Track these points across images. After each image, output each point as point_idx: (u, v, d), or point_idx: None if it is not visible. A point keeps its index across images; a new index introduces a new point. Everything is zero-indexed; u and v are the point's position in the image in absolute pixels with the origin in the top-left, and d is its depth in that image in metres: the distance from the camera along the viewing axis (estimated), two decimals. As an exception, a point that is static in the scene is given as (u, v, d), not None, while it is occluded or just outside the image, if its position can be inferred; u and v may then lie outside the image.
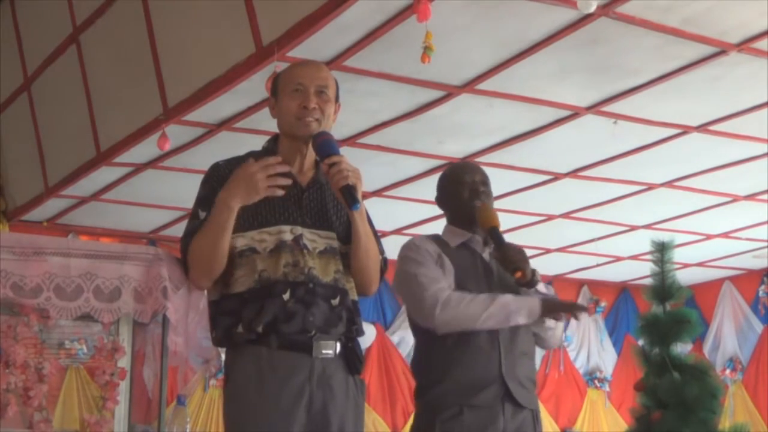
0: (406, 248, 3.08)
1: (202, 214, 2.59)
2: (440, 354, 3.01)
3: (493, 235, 3.04)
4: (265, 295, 2.54)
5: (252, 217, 2.58)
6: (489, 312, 2.93)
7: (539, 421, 3.09)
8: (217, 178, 2.64)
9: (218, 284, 2.63)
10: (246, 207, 2.56)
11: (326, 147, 2.59)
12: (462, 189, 3.16)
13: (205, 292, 2.77)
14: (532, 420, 3.04)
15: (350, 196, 2.54)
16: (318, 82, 2.66)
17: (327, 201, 2.69)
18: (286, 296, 2.54)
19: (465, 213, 3.16)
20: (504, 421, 2.96)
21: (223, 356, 2.73)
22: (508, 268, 2.99)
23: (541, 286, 3.11)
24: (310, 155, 2.69)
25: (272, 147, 2.72)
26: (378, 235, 2.75)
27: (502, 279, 3.08)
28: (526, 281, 3.01)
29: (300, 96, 2.63)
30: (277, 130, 2.75)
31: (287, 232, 2.59)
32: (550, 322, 3.09)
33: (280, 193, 2.53)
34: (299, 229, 2.60)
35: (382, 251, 2.75)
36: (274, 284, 2.54)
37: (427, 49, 3.83)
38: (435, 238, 3.20)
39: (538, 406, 3.11)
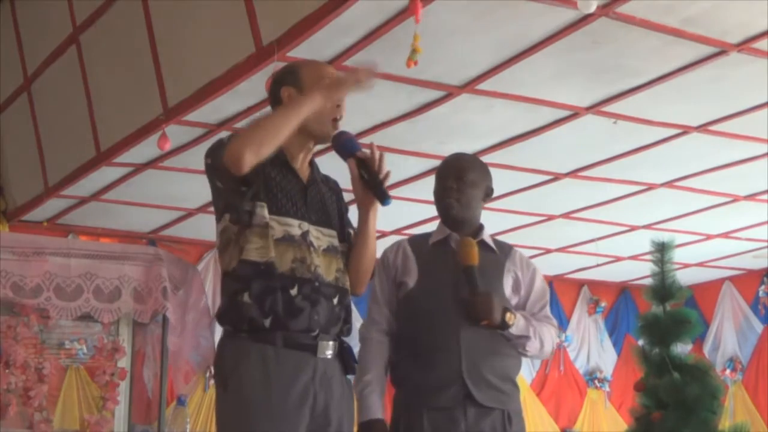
0: (379, 258, 3.07)
1: None
2: (402, 355, 3.03)
3: (467, 275, 3.00)
4: (274, 279, 2.51)
5: (270, 201, 2.57)
6: (358, 383, 2.96)
7: (514, 421, 3.02)
8: None
9: (234, 253, 2.58)
10: (264, 190, 2.56)
11: (351, 144, 2.61)
12: (436, 186, 3.17)
13: (208, 289, 2.75)
14: (502, 420, 2.98)
15: (384, 192, 2.55)
16: None
17: (326, 199, 2.70)
18: (293, 291, 2.53)
19: (439, 211, 3.17)
20: (466, 424, 2.92)
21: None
22: (472, 317, 2.97)
23: (517, 328, 3.04)
24: (312, 153, 2.71)
25: None
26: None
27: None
28: (495, 326, 3.00)
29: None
30: None
31: (295, 227, 2.58)
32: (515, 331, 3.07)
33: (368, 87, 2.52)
34: (306, 225, 2.60)
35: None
36: (281, 276, 2.53)
37: (412, 53, 3.81)
38: (419, 237, 3.22)
39: (514, 406, 3.04)
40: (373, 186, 2.56)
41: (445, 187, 3.12)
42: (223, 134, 5.49)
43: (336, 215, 2.72)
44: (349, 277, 2.69)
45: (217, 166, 2.53)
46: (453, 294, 3.00)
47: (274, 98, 2.73)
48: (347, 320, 2.67)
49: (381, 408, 2.94)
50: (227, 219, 2.61)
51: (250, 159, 2.44)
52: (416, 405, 2.95)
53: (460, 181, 3.11)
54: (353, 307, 2.76)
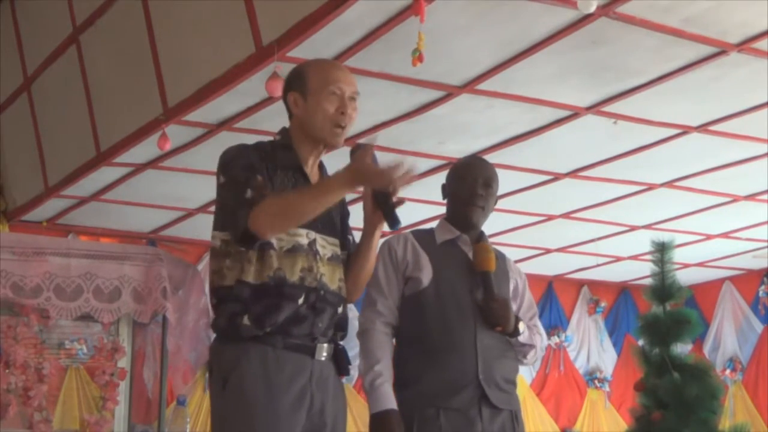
0: (382, 245, 3.04)
1: (256, 180, 2.49)
2: (417, 354, 3.00)
3: (485, 281, 3.02)
4: (279, 295, 2.51)
5: None
6: (368, 373, 2.92)
7: (519, 421, 3.06)
8: (252, 151, 2.58)
9: (231, 270, 2.55)
10: None
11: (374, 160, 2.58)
12: (461, 187, 3.15)
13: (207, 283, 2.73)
14: (511, 421, 3.02)
15: (395, 215, 2.56)
16: (353, 88, 2.66)
17: (330, 207, 2.68)
18: (300, 300, 2.54)
19: (458, 212, 3.16)
20: (482, 425, 2.94)
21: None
22: (489, 322, 3.00)
23: (524, 337, 3.08)
24: (320, 158, 2.70)
25: (286, 141, 2.67)
26: None
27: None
28: (507, 334, 3.05)
29: (338, 100, 2.61)
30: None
31: (303, 236, 2.57)
32: (522, 339, 3.09)
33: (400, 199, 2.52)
34: (313, 234, 2.59)
35: None
36: (290, 287, 2.52)
37: (415, 51, 3.81)
38: (422, 233, 3.20)
39: (518, 407, 3.08)
40: (384, 208, 2.54)
41: (474, 192, 3.11)
42: (224, 135, 5.50)
43: (339, 222, 2.71)
44: (347, 284, 2.69)
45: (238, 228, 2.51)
46: (469, 296, 3.02)
47: (285, 103, 2.71)
48: (343, 327, 2.68)
49: (394, 398, 2.91)
50: (228, 234, 2.57)
51: (271, 235, 2.48)
52: (430, 405, 2.94)
53: (487, 188, 3.13)
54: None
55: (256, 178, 2.49)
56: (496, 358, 3.02)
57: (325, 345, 2.60)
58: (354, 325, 2.91)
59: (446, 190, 3.22)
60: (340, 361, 2.66)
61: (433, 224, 3.27)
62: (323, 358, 2.59)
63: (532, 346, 3.12)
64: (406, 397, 2.99)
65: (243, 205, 2.46)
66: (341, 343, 2.71)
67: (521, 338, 3.07)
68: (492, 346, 3.01)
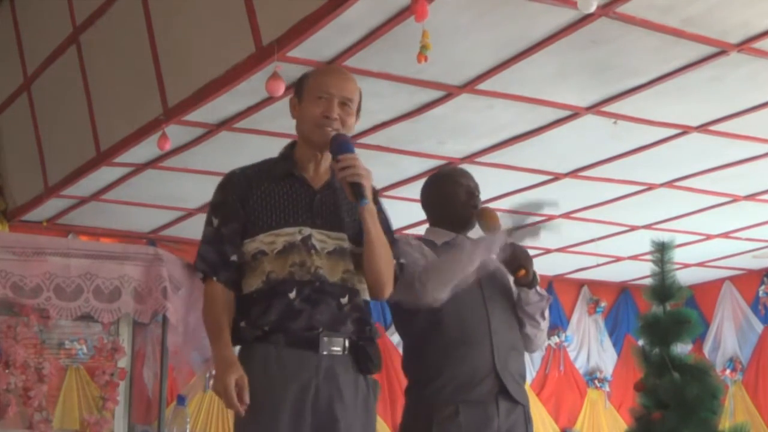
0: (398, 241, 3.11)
1: (215, 222, 2.63)
2: (434, 351, 3.03)
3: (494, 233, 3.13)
4: (272, 295, 2.55)
5: (262, 221, 2.60)
6: (460, 259, 3.00)
7: (530, 419, 3.10)
8: (232, 186, 2.66)
9: None
10: (256, 211, 2.61)
11: (342, 146, 2.62)
12: (459, 190, 3.24)
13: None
14: (524, 418, 3.06)
15: (358, 192, 2.56)
16: (344, 93, 2.69)
17: (340, 204, 2.69)
18: (292, 295, 2.55)
19: (458, 214, 3.23)
20: (499, 421, 2.97)
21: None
22: (512, 266, 3.10)
23: (539, 289, 3.19)
24: (326, 160, 2.71)
25: (289, 153, 2.73)
26: (395, 241, 2.75)
27: (492, 275, 3.14)
28: (527, 281, 3.12)
29: (324, 104, 2.65)
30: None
31: (296, 234, 2.60)
32: (533, 297, 3.16)
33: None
34: (308, 230, 2.61)
35: (396, 256, 2.73)
36: (280, 283, 2.55)
37: (423, 48, 3.83)
38: (420, 238, 3.25)
39: (528, 403, 3.12)
40: (354, 190, 2.58)
41: (472, 194, 3.24)
42: (224, 135, 5.50)
43: (352, 219, 2.71)
44: (366, 281, 2.68)
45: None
46: (479, 290, 3.08)
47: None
48: (365, 320, 2.65)
49: None
50: None
51: None
52: (448, 402, 2.97)
53: (479, 192, 3.27)
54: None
55: (210, 226, 2.65)
56: (510, 351, 3.07)
57: (338, 339, 2.58)
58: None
59: (434, 199, 3.29)
60: (360, 358, 2.62)
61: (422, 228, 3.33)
62: (331, 352, 2.57)
63: (548, 299, 3.19)
64: (425, 395, 3.02)
65: (199, 256, 2.65)
66: (373, 339, 2.68)
67: (538, 288, 3.15)
68: (505, 338, 3.06)
